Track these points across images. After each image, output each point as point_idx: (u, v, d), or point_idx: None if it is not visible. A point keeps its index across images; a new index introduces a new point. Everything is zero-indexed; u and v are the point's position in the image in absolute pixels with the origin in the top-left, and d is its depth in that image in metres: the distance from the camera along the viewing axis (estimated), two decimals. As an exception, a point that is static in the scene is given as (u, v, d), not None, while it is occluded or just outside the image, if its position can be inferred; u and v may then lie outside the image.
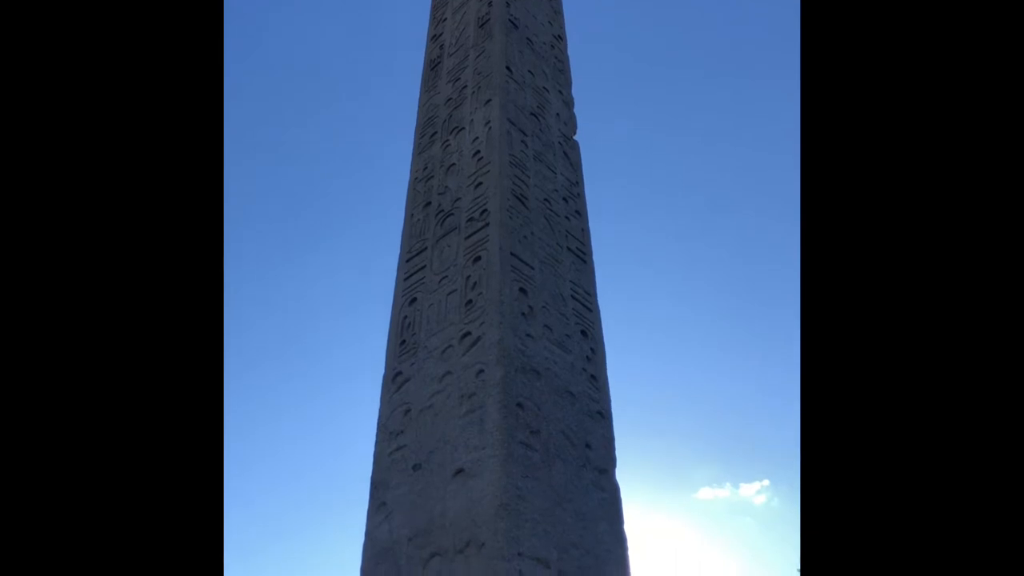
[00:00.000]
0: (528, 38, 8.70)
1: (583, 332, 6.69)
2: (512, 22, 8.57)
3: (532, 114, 7.94)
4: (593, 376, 6.49)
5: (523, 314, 6.11)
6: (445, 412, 5.73)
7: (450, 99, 8.30)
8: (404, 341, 6.59)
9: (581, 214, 7.72)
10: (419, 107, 8.77)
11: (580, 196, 7.88)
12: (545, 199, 7.28)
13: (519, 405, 5.49)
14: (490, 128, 7.39)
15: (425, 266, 6.93)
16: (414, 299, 6.80)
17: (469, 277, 6.38)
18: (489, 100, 7.70)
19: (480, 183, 7.00)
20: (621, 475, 6.09)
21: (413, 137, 8.49)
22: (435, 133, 8.13)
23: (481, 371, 5.67)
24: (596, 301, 7.13)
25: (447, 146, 7.81)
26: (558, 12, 9.68)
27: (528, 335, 6.01)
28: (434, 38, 9.43)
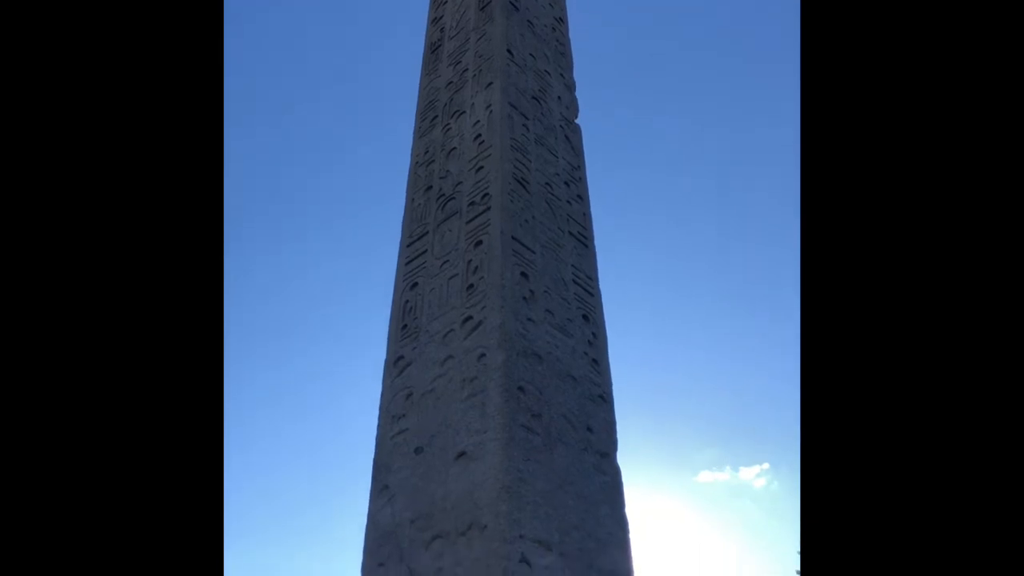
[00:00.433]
0: (529, 20, 8.65)
1: (585, 316, 6.70)
2: (513, 4, 8.52)
3: (534, 97, 7.90)
4: (595, 360, 6.50)
5: (524, 298, 6.11)
6: (447, 396, 5.74)
7: (451, 82, 8.26)
8: (406, 325, 6.60)
9: (583, 198, 7.70)
10: (420, 90, 8.73)
11: (582, 180, 7.86)
12: (547, 183, 7.27)
13: (520, 389, 5.51)
14: (491, 111, 7.36)
15: (426, 250, 6.93)
16: (415, 283, 6.80)
17: (471, 261, 6.38)
18: (490, 83, 7.66)
19: (481, 167, 6.98)
20: (622, 458, 6.12)
21: (414, 121, 8.46)
22: (436, 117, 8.10)
23: (483, 355, 5.68)
24: (598, 285, 7.13)
25: (448, 130, 7.79)
26: (559, -6, 9.62)
27: (530, 319, 6.02)
28: (434, 21, 9.37)
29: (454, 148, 7.51)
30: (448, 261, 6.60)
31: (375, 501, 5.74)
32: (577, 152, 8.10)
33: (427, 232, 7.07)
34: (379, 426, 6.20)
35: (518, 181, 6.87)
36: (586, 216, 7.59)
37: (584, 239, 7.35)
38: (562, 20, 9.35)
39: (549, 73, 8.42)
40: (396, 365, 6.42)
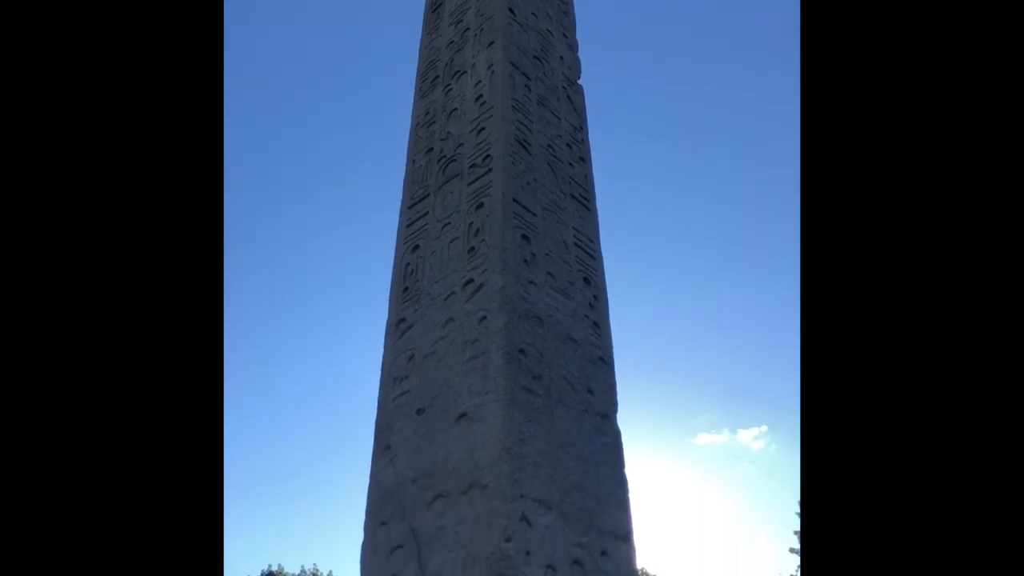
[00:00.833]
0: (532, -22, 8.48)
1: (586, 279, 6.70)
2: (515, -38, 8.35)
3: (536, 57, 7.80)
4: (595, 323, 6.52)
5: (526, 261, 6.10)
6: (448, 358, 5.77)
7: (452, 42, 8.14)
8: (407, 288, 6.61)
9: (584, 160, 7.64)
10: (420, 50, 8.61)
11: (584, 142, 7.79)
12: (548, 145, 7.21)
13: (521, 351, 5.53)
14: (493, 72, 7.26)
15: (427, 213, 6.90)
16: (416, 246, 6.79)
17: (472, 224, 6.35)
18: (492, 43, 7.55)
19: (483, 128, 6.92)
20: (622, 420, 6.18)
21: (415, 82, 8.36)
22: (437, 77, 8.00)
23: (484, 318, 5.69)
24: (599, 248, 7.12)
25: (449, 90, 7.70)
26: (562, -49, 9.42)
27: (531, 282, 6.02)
28: (435, -22, 9.20)
29: (455, 109, 7.43)
30: (449, 224, 6.58)
31: (377, 461, 5.81)
32: (579, 113, 8.01)
33: (428, 194, 7.04)
34: (381, 388, 6.24)
35: (520, 143, 6.81)
36: (588, 178, 7.54)
37: (586, 201, 7.32)
38: (565, -22, 9.18)
39: (551, 33, 8.30)
40: (398, 327, 6.44)
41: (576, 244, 6.83)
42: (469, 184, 6.65)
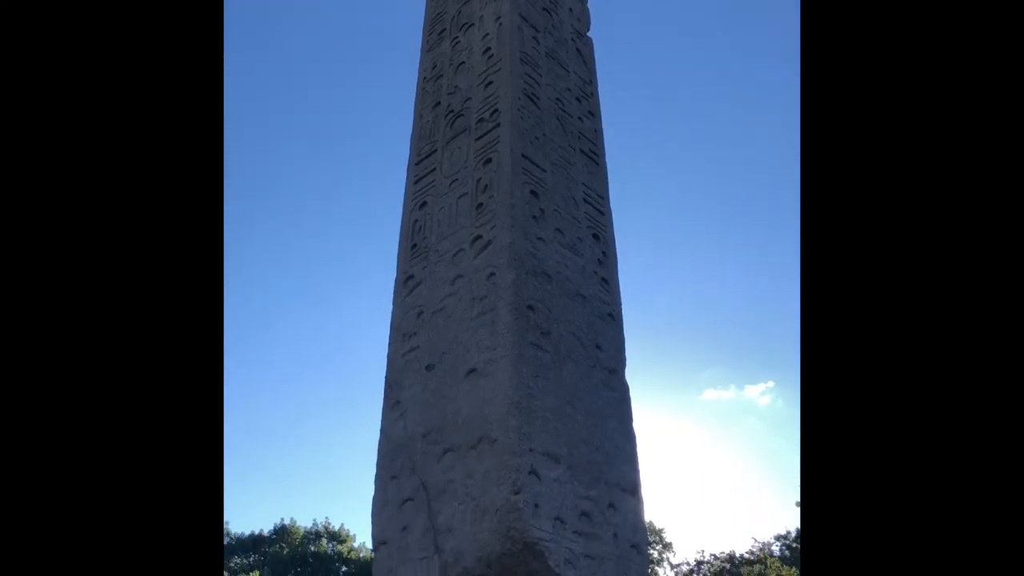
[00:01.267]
0: (540, -73, 8.27)
1: (595, 235, 6.66)
2: (523, -91, 8.13)
3: (544, 9, 7.64)
4: (604, 279, 6.50)
5: (534, 217, 6.06)
6: (457, 315, 5.78)
7: (459, -7, 7.97)
8: (415, 245, 6.59)
9: (594, 114, 7.54)
10: (427, 2, 8.45)
11: (593, 96, 7.68)
12: (557, 98, 7.10)
13: (530, 307, 5.53)
14: (500, 24, 7.12)
15: (435, 169, 6.85)
16: (424, 203, 6.75)
17: (480, 180, 6.30)
18: (499, -6, 7.39)
19: (490, 82, 6.81)
20: (629, 376, 6.20)
21: (421, 34, 8.22)
22: (444, 30, 7.86)
23: (492, 274, 5.68)
24: (608, 204, 7.06)
25: (456, 43, 7.57)
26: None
27: (539, 238, 5.99)
28: (441, -73, 8.98)
29: (463, 62, 7.32)
30: (457, 179, 6.53)
31: (388, 416, 5.87)
32: (589, 66, 7.88)
33: (436, 150, 6.97)
34: (390, 344, 6.27)
35: (528, 96, 6.71)
36: (597, 133, 7.45)
37: (595, 156, 7.24)
38: (574, -74, 8.95)
39: (560, -17, 8.11)
40: (406, 284, 6.44)
41: (585, 200, 6.78)
42: (477, 139, 6.58)
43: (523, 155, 6.28)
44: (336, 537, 40.71)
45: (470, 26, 7.51)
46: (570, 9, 8.06)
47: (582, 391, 5.58)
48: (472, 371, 5.37)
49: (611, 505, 5.33)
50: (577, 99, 7.40)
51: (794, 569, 27.66)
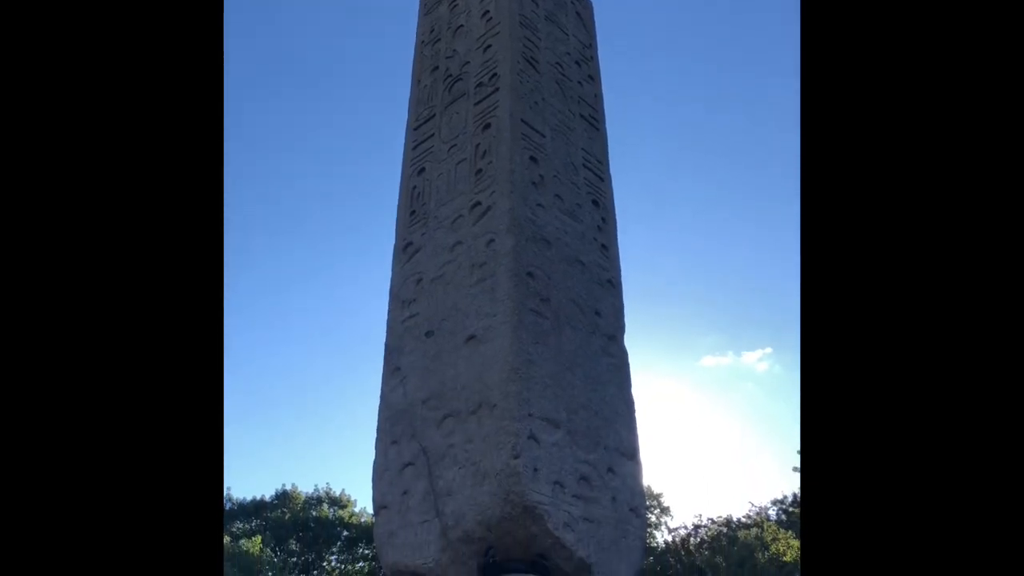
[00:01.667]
0: None
1: (594, 202, 6.62)
2: None
3: (543, -29, 7.51)
4: (604, 245, 6.48)
5: (534, 183, 6.02)
6: (456, 281, 5.77)
7: (457, -45, 7.83)
8: (414, 211, 6.56)
9: (594, 79, 7.45)
10: (424, -36, 8.31)
11: (593, 60, 7.59)
12: (556, 63, 7.01)
13: (529, 274, 5.52)
14: (499, -14, 7.01)
15: (434, 134, 6.78)
16: (423, 169, 6.70)
17: (479, 145, 6.25)
18: (498, -45, 7.26)
19: (489, 46, 6.72)
20: (628, 342, 6.22)
21: (418, -3, 8.10)
22: (441, -8, 7.73)
23: (491, 240, 5.66)
24: (608, 170, 7.01)
25: (454, 6, 7.45)
26: None
27: (539, 204, 5.96)
28: None
29: (461, 26, 7.21)
30: (456, 145, 6.48)
31: (388, 383, 5.89)
32: (588, 30, 7.78)
33: (434, 115, 6.90)
34: (390, 311, 6.27)
35: (527, 60, 6.63)
36: (597, 97, 7.37)
37: (595, 121, 7.17)
38: None
39: (560, -56, 7.97)
40: (405, 251, 6.42)
41: (585, 165, 6.73)
42: (475, 104, 6.51)
43: (522, 120, 6.22)
44: (337, 502, 41.19)
45: (468, -12, 7.39)
46: (570, -29, 7.93)
47: (581, 357, 5.59)
48: (471, 337, 5.38)
49: (610, 469, 5.38)
50: (577, 63, 7.31)
51: (790, 532, 28.05)
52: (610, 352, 5.95)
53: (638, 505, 5.55)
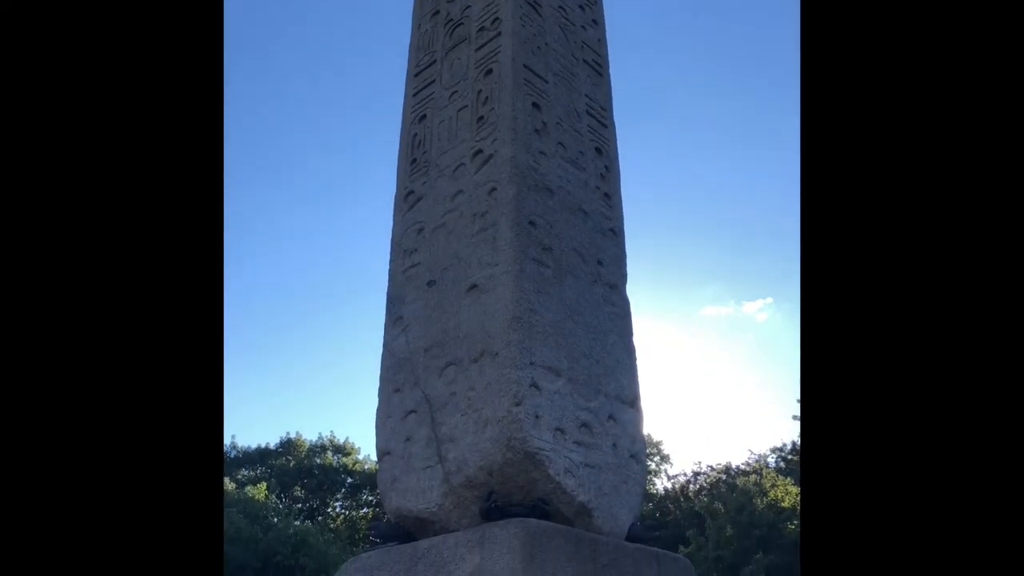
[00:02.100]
0: None
1: (597, 149, 6.55)
2: None
3: (546, -90, 7.28)
4: (607, 194, 6.43)
5: (536, 131, 5.94)
6: (458, 231, 5.74)
7: None
8: (415, 160, 6.49)
9: (598, 23, 7.29)
10: (424, -97, 8.06)
11: (597, 3, 7.41)
12: (560, 6, 6.85)
13: (531, 223, 5.48)
14: (501, -74, 6.80)
15: (434, 80, 6.67)
16: (423, 116, 6.61)
17: (480, 92, 6.15)
18: None
19: (491, -11, 6.56)
20: (630, 291, 6.21)
21: (418, -62, 7.87)
22: (442, -67, 7.52)
23: (493, 189, 5.61)
24: (611, 117, 6.91)
25: (455, -53, 7.25)
26: None
27: (541, 152, 5.89)
28: None
29: (461, -32, 7.02)
30: (457, 91, 6.37)
31: (390, 331, 5.91)
32: (593, -28, 7.57)
33: (435, 61, 6.78)
34: (391, 260, 6.26)
35: (530, 4, 6.47)
36: (601, 42, 7.23)
37: (599, 67, 7.04)
38: None
39: None
40: (406, 200, 6.38)
41: (588, 112, 6.63)
42: (477, 49, 6.38)
43: (525, 66, 6.11)
44: (341, 450, 41.87)
45: (469, -72, 7.18)
46: (574, -90, 7.69)
47: (583, 306, 5.60)
48: (473, 287, 5.38)
49: (611, 417, 5.43)
50: (580, 7, 7.14)
51: (789, 479, 28.51)
52: (612, 301, 5.95)
53: (638, 452, 5.61)
